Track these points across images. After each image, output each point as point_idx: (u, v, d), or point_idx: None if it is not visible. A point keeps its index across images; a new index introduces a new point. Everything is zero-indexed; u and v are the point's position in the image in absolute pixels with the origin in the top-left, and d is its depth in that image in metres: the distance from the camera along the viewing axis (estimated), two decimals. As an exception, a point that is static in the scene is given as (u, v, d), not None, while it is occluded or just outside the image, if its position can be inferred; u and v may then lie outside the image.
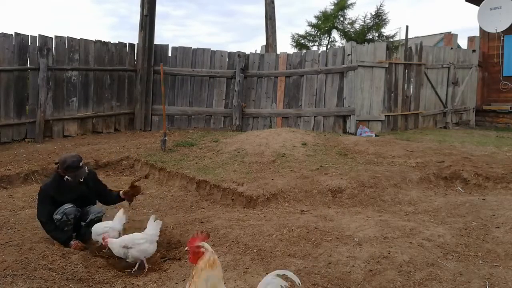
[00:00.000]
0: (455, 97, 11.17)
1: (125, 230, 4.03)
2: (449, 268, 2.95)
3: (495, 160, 6.11)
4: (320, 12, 11.70)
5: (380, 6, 11.16)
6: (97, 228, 3.68)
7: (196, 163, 6.62)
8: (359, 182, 5.12)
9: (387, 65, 9.51)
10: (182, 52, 9.78)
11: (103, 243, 3.44)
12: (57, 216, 3.70)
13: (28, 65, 8.28)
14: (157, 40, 10.89)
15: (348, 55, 9.02)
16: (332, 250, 3.29)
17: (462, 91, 11.39)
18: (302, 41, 11.83)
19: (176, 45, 9.89)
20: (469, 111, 11.79)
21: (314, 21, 11.72)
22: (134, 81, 9.71)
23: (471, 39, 12.32)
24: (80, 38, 8.94)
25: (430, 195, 5.04)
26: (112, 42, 9.43)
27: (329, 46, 11.43)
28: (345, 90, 9.07)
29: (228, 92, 9.76)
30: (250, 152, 6.81)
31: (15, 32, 8.06)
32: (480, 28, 12.10)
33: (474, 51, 11.85)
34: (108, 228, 3.65)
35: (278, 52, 10.58)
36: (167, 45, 9.80)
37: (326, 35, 11.63)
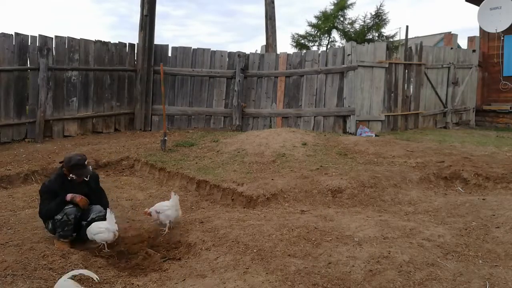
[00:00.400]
0: (455, 97, 11.17)
1: (126, 230, 4.03)
2: (449, 268, 2.95)
3: (495, 160, 6.11)
4: (320, 12, 11.72)
5: (380, 6, 11.17)
6: (92, 229, 3.68)
7: (196, 163, 6.62)
8: (359, 182, 5.12)
9: (387, 65, 9.52)
10: (182, 52, 9.79)
11: (145, 214, 4.14)
12: (57, 216, 3.70)
13: (28, 65, 8.28)
14: (157, 40, 10.91)
15: (348, 55, 9.02)
16: (332, 250, 3.29)
17: (462, 91, 11.39)
18: (302, 41, 11.83)
19: (176, 45, 9.90)
20: (469, 111, 11.79)
21: (314, 21, 11.74)
22: (134, 81, 9.71)
23: (471, 39, 12.32)
24: (80, 38, 8.95)
25: (430, 195, 5.04)
26: (112, 42, 9.44)
27: (329, 46, 11.43)
28: (345, 90, 9.07)
29: (228, 92, 9.76)
30: (250, 152, 6.81)
31: (15, 32, 8.06)
32: (480, 28, 12.10)
33: (474, 51, 11.85)
34: (104, 229, 3.64)
35: (278, 52, 10.58)
36: (167, 45, 9.80)
37: (326, 35, 11.63)
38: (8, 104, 8.03)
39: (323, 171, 5.72)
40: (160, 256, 3.57)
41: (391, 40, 11.03)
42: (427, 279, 2.81)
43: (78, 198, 3.77)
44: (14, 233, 4.02)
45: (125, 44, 9.68)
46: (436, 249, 3.25)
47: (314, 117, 9.37)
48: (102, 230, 3.64)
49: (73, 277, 2.83)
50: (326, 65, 9.30)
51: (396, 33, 13.27)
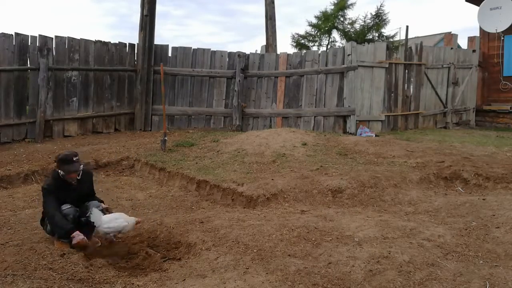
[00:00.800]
0: (455, 97, 11.17)
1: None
2: (449, 268, 2.95)
3: (495, 160, 6.11)
4: (320, 12, 11.69)
5: (380, 6, 11.15)
6: (108, 217, 3.67)
7: (196, 163, 6.62)
8: (359, 182, 5.12)
9: (387, 65, 9.52)
10: (182, 52, 9.79)
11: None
12: None
13: (28, 65, 8.29)
14: (157, 40, 10.91)
15: (348, 55, 9.03)
16: (332, 250, 3.29)
17: (462, 91, 11.38)
18: (302, 41, 11.82)
19: (176, 45, 9.91)
20: (469, 111, 11.79)
21: (314, 21, 11.70)
22: (134, 81, 9.72)
23: (471, 39, 12.32)
24: (80, 38, 8.95)
25: (430, 195, 5.04)
26: (112, 42, 9.45)
27: (329, 46, 11.42)
28: (345, 90, 9.07)
29: (228, 92, 9.76)
30: (250, 152, 6.81)
31: (15, 32, 8.07)
32: (480, 28, 12.10)
33: (474, 51, 11.84)
34: (120, 218, 3.68)
35: (278, 52, 10.58)
36: (167, 45, 9.81)
37: (326, 35, 11.61)
38: (8, 104, 8.04)
39: (323, 171, 5.72)
40: (160, 256, 3.57)
41: (391, 40, 11.02)
42: (427, 279, 2.81)
43: (79, 239, 3.59)
44: (14, 233, 4.02)
45: (125, 44, 9.69)
46: (436, 249, 3.25)
47: (314, 117, 9.38)
48: (118, 218, 3.64)
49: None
50: (326, 65, 9.30)
51: (396, 33, 13.26)
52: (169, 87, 9.61)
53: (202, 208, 5.05)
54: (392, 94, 9.76)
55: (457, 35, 13.28)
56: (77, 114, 8.92)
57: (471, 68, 11.62)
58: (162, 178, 6.26)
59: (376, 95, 9.46)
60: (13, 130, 8.11)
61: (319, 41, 11.71)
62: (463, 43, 17.39)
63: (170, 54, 9.81)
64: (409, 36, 10.34)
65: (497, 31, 11.42)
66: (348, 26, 11.34)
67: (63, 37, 8.72)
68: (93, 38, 9.65)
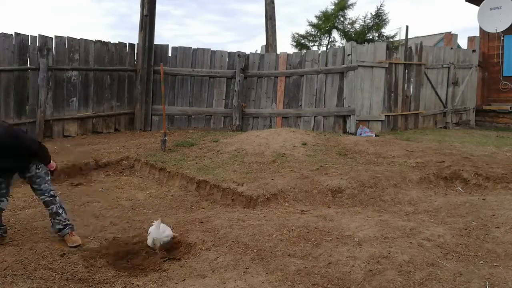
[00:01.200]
0: (455, 97, 11.17)
1: (126, 230, 4.03)
2: (449, 268, 2.95)
3: (495, 160, 6.11)
4: (321, 12, 11.71)
5: (380, 6, 11.16)
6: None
7: (196, 163, 6.62)
8: (359, 182, 5.12)
9: (387, 65, 9.52)
10: (182, 52, 9.79)
11: None
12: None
13: (28, 65, 8.28)
14: (157, 40, 10.91)
15: (348, 55, 9.03)
16: (332, 250, 3.29)
17: (462, 91, 11.39)
18: (302, 41, 11.83)
19: (176, 45, 9.91)
20: (469, 111, 11.78)
21: (314, 21, 11.72)
22: (134, 81, 9.72)
23: (471, 39, 12.32)
24: (80, 38, 8.95)
25: (430, 195, 5.04)
26: (112, 42, 9.44)
27: (329, 46, 11.43)
28: (345, 90, 9.08)
29: (228, 92, 9.76)
30: (250, 152, 6.81)
31: (15, 32, 8.06)
32: (480, 28, 12.10)
33: (474, 51, 11.84)
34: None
35: (278, 52, 10.58)
36: (167, 45, 9.81)
37: (326, 35, 11.62)
38: (8, 104, 8.03)
39: (323, 171, 5.72)
40: (160, 256, 3.57)
41: (391, 40, 11.02)
42: (427, 279, 2.81)
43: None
44: (14, 233, 4.02)
45: (125, 44, 9.69)
46: (436, 249, 3.25)
47: (314, 117, 9.38)
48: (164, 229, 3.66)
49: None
50: (326, 65, 9.30)
51: (396, 33, 13.27)
52: (169, 87, 9.61)
53: (202, 208, 5.05)
54: (392, 94, 9.76)
55: (457, 35, 13.29)
56: (77, 114, 8.92)
57: (471, 68, 11.62)
58: (162, 178, 6.26)
59: (376, 95, 9.46)
60: (13, 130, 8.10)
61: (319, 41, 11.72)
62: (463, 43, 17.39)
63: (170, 54, 9.81)
64: (409, 36, 10.34)
65: (497, 31, 11.42)
66: (348, 26, 11.35)
67: (63, 37, 8.72)
68: (93, 38, 9.67)
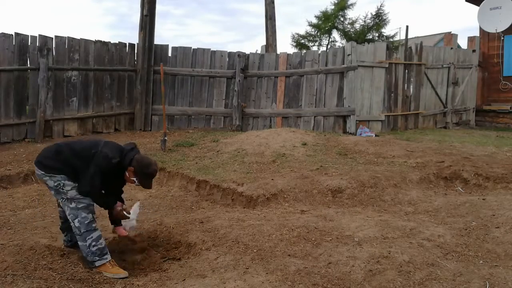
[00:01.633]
0: (455, 97, 11.17)
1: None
2: (449, 268, 2.95)
3: (495, 160, 6.11)
4: (321, 12, 11.71)
5: (380, 6, 11.17)
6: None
7: (196, 163, 6.62)
8: (359, 182, 5.12)
9: (387, 65, 9.51)
10: (182, 52, 9.79)
11: None
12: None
13: (28, 65, 8.28)
14: (157, 40, 10.91)
15: (348, 55, 9.03)
16: (332, 250, 3.29)
17: (462, 91, 11.38)
18: (302, 41, 11.83)
19: (176, 45, 9.91)
20: (469, 111, 11.78)
21: (314, 21, 11.73)
22: (134, 81, 9.72)
23: (471, 39, 12.32)
24: (80, 38, 8.95)
25: (430, 195, 5.04)
26: (112, 42, 9.45)
27: (329, 46, 11.43)
28: (345, 90, 9.07)
29: (228, 92, 9.76)
30: (250, 152, 6.81)
31: (15, 32, 8.06)
32: (480, 28, 12.10)
33: (474, 51, 11.84)
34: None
35: (278, 52, 10.58)
36: (167, 45, 9.81)
37: (326, 35, 11.63)
38: (8, 104, 8.03)
39: (323, 171, 5.72)
40: (160, 256, 3.57)
41: (391, 40, 11.03)
42: (427, 279, 2.81)
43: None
44: (14, 233, 4.02)
45: (125, 44, 9.69)
46: (436, 249, 3.25)
47: (314, 117, 9.38)
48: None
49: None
50: (326, 65, 9.30)
51: (396, 33, 13.28)
52: (169, 87, 9.61)
53: (202, 208, 5.05)
54: (392, 94, 9.76)
55: (457, 35, 13.29)
56: (77, 114, 8.92)
57: (471, 68, 11.62)
58: (162, 178, 6.26)
59: (376, 95, 9.46)
60: (13, 130, 8.11)
61: (319, 41, 11.73)
62: (463, 43, 17.40)
63: (170, 54, 9.81)
64: (409, 36, 10.34)
65: (497, 31, 11.43)
66: (348, 26, 11.35)
67: (63, 37, 8.72)
68: (93, 38, 9.68)
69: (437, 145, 7.28)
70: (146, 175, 3.30)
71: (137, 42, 9.68)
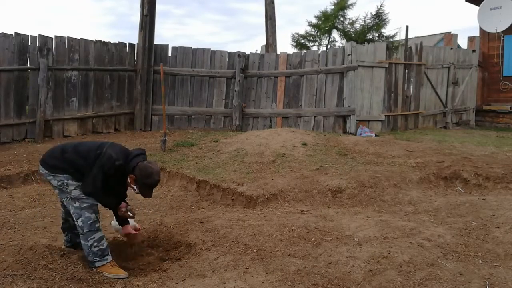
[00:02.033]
0: (455, 97, 11.17)
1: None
2: (449, 268, 2.95)
3: (495, 160, 6.11)
4: (320, 12, 11.71)
5: (380, 6, 11.16)
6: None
7: (196, 163, 6.62)
8: (359, 182, 5.12)
9: (387, 65, 9.52)
10: (182, 52, 9.79)
11: None
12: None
13: (28, 65, 8.28)
14: (157, 40, 10.91)
15: (348, 55, 9.03)
16: (332, 250, 3.29)
17: (462, 91, 11.39)
18: (302, 41, 11.83)
19: (176, 45, 9.91)
20: (469, 111, 11.79)
21: (314, 21, 11.72)
22: (134, 81, 9.72)
23: (471, 39, 12.32)
24: (80, 38, 8.95)
25: (430, 195, 5.04)
26: (112, 42, 9.45)
27: (329, 46, 11.43)
28: (345, 90, 9.08)
29: (228, 92, 9.76)
30: (250, 152, 6.81)
31: (15, 32, 8.06)
32: (480, 28, 12.10)
33: (474, 51, 11.85)
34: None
35: (278, 52, 10.58)
36: (167, 45, 9.81)
37: (326, 35, 11.62)
38: (8, 104, 8.03)
39: (323, 171, 5.72)
40: (160, 256, 3.57)
41: (391, 40, 11.02)
42: (427, 279, 2.81)
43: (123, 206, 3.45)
44: (14, 233, 4.02)
45: (125, 44, 9.69)
46: (436, 249, 3.25)
47: (314, 117, 9.38)
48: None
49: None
50: (326, 65, 9.30)
51: (396, 33, 13.27)
52: (169, 87, 9.61)
53: (202, 208, 5.05)
54: (392, 94, 9.76)
55: (457, 35, 13.30)
56: (77, 114, 8.92)
57: (471, 68, 11.62)
58: (162, 178, 6.24)
59: (376, 95, 9.46)
60: (13, 130, 8.11)
61: (319, 41, 11.73)
62: (463, 43, 17.41)
63: (170, 54, 9.81)
64: (409, 36, 10.34)
65: (497, 31, 11.43)
66: (348, 26, 11.35)
67: (63, 37, 8.72)
68: (93, 38, 9.68)
69: (437, 145, 7.28)
70: (146, 185, 3.22)
71: (137, 42, 9.68)
